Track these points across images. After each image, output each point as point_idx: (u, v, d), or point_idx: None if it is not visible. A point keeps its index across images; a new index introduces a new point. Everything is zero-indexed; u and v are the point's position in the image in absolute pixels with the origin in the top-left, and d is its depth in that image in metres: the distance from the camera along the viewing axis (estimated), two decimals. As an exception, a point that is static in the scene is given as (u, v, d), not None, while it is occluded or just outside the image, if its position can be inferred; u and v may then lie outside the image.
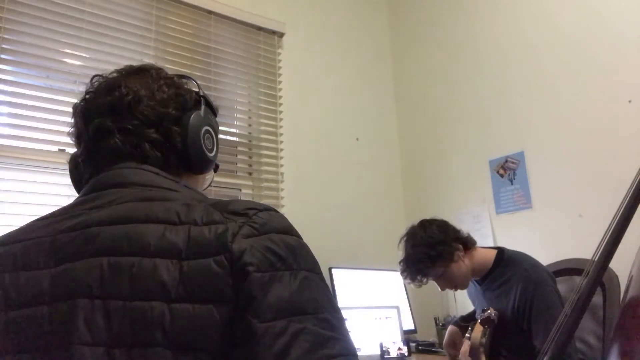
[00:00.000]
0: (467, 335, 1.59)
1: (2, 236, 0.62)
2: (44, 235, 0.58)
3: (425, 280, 1.65)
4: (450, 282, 1.65)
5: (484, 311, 1.58)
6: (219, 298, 0.49)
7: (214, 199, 0.60)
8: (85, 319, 0.50)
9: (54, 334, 0.50)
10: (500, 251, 1.67)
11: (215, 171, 0.82)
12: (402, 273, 1.68)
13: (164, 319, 0.48)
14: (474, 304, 1.84)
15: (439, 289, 1.70)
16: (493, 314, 1.54)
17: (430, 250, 1.60)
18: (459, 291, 1.81)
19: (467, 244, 1.67)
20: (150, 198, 0.59)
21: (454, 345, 1.71)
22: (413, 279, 1.65)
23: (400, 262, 1.68)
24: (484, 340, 1.50)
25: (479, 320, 1.55)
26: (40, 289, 0.53)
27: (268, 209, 0.57)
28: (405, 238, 1.69)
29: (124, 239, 0.53)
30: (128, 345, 0.48)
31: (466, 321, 1.83)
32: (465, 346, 1.55)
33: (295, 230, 0.58)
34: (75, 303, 0.51)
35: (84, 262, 0.53)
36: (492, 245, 2.29)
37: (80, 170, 0.70)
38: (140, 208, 0.56)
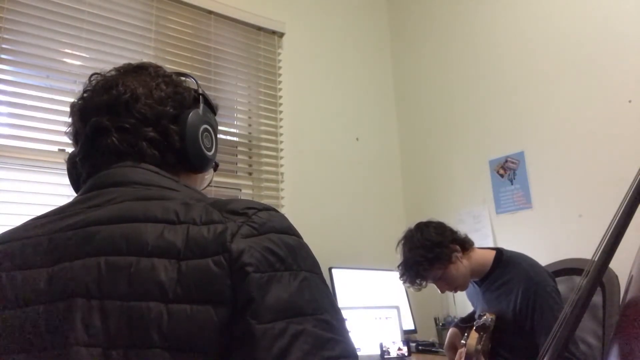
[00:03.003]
0: (462, 342, 1.59)
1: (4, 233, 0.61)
2: (42, 234, 0.57)
3: (424, 283, 1.65)
4: (450, 284, 1.64)
5: (480, 317, 1.58)
6: (217, 299, 0.49)
7: (213, 198, 0.59)
8: (83, 319, 0.49)
9: (50, 334, 0.50)
10: (499, 252, 1.67)
11: (214, 170, 0.81)
12: (400, 277, 1.68)
13: (161, 319, 0.48)
14: (473, 304, 1.84)
15: (439, 292, 1.70)
16: (489, 320, 1.53)
17: (428, 253, 1.59)
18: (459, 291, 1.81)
19: (465, 244, 1.67)
20: (149, 197, 0.58)
21: (454, 348, 1.71)
22: (412, 283, 1.65)
23: (398, 266, 1.68)
24: (479, 347, 1.50)
25: (474, 327, 1.55)
26: (37, 288, 0.52)
27: (267, 209, 0.57)
28: (402, 242, 1.69)
29: (122, 238, 0.52)
30: (125, 346, 0.48)
31: (466, 322, 1.83)
32: (461, 353, 1.56)
33: (295, 230, 0.57)
34: (73, 303, 0.50)
35: (81, 262, 0.52)
36: (492, 245, 2.30)
37: (78, 170, 0.69)
38: (139, 207, 0.56)
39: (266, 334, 0.47)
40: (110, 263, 0.51)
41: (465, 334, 1.59)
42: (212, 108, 0.79)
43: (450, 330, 1.77)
